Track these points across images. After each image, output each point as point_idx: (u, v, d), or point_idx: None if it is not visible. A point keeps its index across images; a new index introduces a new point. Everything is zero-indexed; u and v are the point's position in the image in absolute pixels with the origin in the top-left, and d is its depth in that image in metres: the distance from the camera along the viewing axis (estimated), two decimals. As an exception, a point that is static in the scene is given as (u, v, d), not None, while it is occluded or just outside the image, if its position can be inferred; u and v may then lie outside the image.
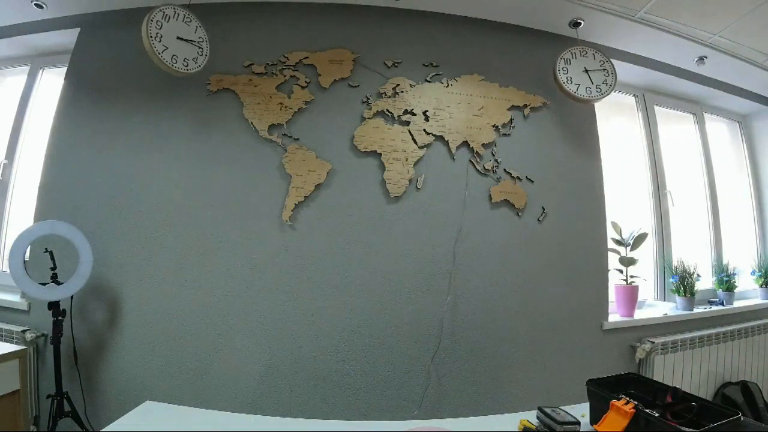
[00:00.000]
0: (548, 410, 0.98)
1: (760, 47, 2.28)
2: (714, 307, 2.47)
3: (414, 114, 2.03)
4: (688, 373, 2.23)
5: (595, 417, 0.94)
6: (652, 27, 2.13)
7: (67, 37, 2.13)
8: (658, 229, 2.59)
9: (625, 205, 2.49)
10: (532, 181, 2.12)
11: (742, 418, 0.80)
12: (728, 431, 0.77)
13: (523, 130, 2.16)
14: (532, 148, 2.16)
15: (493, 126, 2.11)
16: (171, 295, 1.89)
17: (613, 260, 2.26)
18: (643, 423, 0.81)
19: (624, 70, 2.41)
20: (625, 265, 2.24)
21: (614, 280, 2.28)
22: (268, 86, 1.98)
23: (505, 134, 2.12)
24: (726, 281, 2.56)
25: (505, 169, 2.10)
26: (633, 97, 2.71)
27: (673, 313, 2.32)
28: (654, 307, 2.45)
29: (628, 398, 0.89)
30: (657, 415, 0.84)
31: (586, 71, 2.09)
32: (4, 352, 1.65)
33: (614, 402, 0.88)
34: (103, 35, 2.09)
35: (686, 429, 0.74)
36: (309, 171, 1.94)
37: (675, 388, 0.91)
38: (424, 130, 2.03)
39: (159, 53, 1.68)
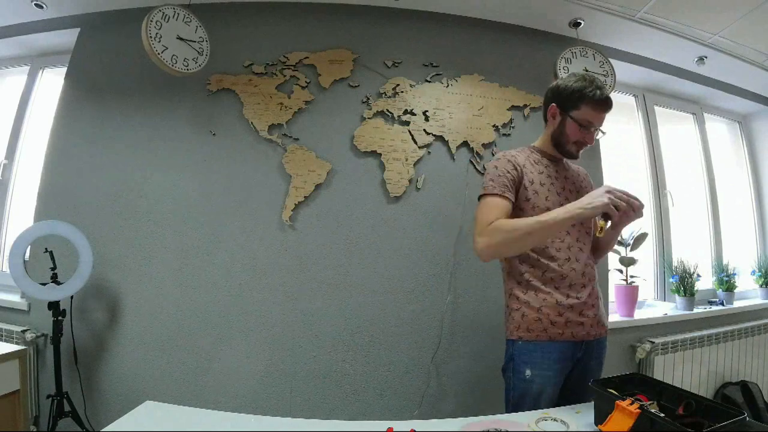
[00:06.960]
0: None
1: (760, 47, 2.28)
2: (714, 307, 2.46)
3: (414, 114, 2.03)
4: (688, 373, 2.23)
5: (600, 417, 0.94)
6: (652, 27, 2.12)
7: (67, 37, 2.13)
8: (658, 229, 2.59)
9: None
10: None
11: (747, 419, 0.80)
12: (733, 431, 0.77)
13: (523, 130, 2.16)
14: (533, 148, 2.16)
15: (493, 126, 2.10)
16: (171, 295, 1.89)
17: (613, 260, 2.26)
18: (648, 423, 0.81)
19: (624, 70, 2.41)
20: (625, 265, 2.24)
21: (614, 280, 2.28)
22: (268, 86, 1.98)
23: (505, 134, 2.12)
24: (726, 281, 2.56)
25: (505, 169, 2.09)
26: (633, 97, 2.71)
27: (673, 313, 2.32)
28: (654, 307, 2.44)
29: (633, 398, 0.88)
30: (662, 415, 0.84)
31: (586, 71, 2.09)
32: (4, 352, 1.64)
33: (619, 402, 0.88)
34: (103, 35, 2.09)
35: (691, 430, 0.74)
36: (309, 171, 1.94)
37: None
38: (424, 130, 2.03)
39: (158, 53, 1.68)
